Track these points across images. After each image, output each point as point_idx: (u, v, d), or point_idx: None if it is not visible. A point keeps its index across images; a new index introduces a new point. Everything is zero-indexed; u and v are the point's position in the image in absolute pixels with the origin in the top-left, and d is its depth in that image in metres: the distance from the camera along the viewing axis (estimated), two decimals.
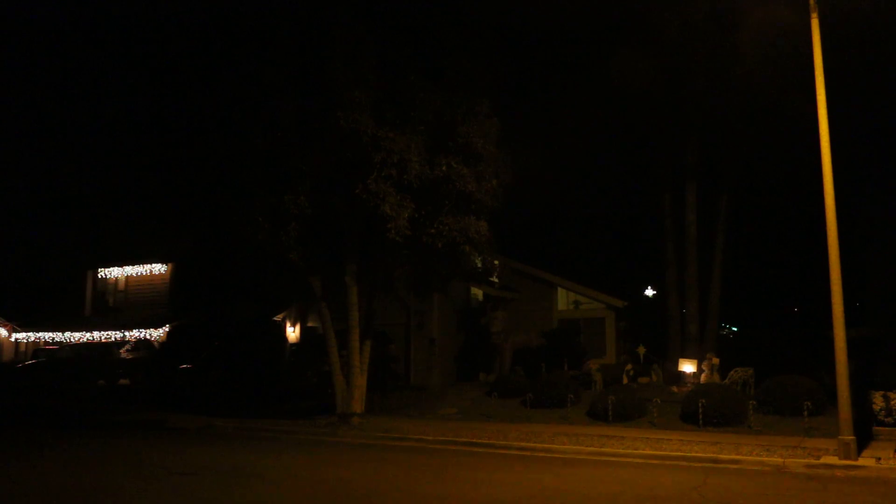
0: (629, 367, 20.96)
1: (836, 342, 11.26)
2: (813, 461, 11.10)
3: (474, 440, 14.09)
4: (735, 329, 41.74)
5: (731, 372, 18.21)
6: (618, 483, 10.19)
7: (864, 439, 12.13)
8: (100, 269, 33.05)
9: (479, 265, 17.52)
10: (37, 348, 30.10)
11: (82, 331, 29.78)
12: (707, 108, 21.97)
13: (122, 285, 32.85)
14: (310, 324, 28.78)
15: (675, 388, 18.89)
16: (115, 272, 32.68)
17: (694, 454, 11.99)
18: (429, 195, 15.68)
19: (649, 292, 32.62)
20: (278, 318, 28.44)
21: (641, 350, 21.82)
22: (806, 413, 13.85)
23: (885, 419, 13.04)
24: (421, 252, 16.34)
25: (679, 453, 12.15)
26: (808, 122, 13.01)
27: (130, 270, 32.19)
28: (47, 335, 30.65)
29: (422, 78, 15.82)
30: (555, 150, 24.89)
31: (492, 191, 16.34)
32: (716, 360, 18.93)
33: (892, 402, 13.10)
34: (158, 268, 31.36)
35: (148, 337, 28.19)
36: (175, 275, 31.17)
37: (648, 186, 25.78)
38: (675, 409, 15.73)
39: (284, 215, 15.84)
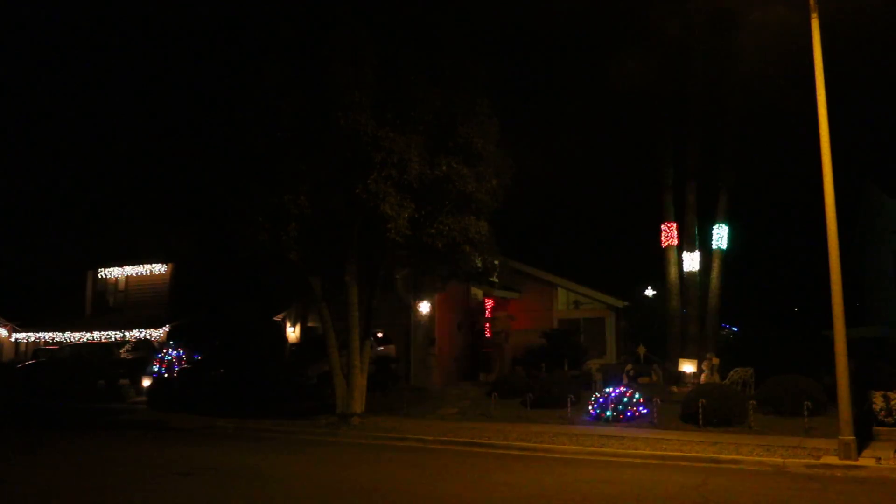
0: (629, 367, 20.99)
1: (836, 342, 11.27)
2: (813, 461, 11.11)
3: (474, 440, 14.09)
4: (735, 329, 41.71)
5: (731, 372, 18.21)
6: (618, 483, 10.19)
7: (864, 439, 12.13)
8: (100, 269, 33.02)
9: (480, 265, 17.52)
10: (37, 348, 30.05)
11: (82, 331, 29.75)
12: (707, 108, 21.96)
13: (122, 285, 32.82)
14: (310, 324, 28.75)
15: (675, 388, 18.91)
16: (115, 272, 32.65)
17: (694, 454, 12.00)
18: (429, 195, 15.68)
19: (649, 292, 32.59)
20: (278, 318, 28.42)
21: (641, 350, 21.83)
22: (806, 413, 13.84)
23: (885, 419, 13.05)
24: (421, 252, 16.34)
25: (679, 453, 12.16)
26: (808, 121, 13.01)
27: (130, 270, 32.16)
28: (47, 335, 30.62)
29: (422, 78, 15.79)
30: (555, 149, 24.90)
31: (492, 191, 16.34)
32: (716, 360, 18.94)
33: (892, 402, 13.10)
34: (158, 268, 31.33)
35: (148, 337, 28.16)
36: (175, 275, 31.14)
37: (648, 186, 25.78)
38: (675, 409, 15.73)
39: (284, 215, 15.82)
